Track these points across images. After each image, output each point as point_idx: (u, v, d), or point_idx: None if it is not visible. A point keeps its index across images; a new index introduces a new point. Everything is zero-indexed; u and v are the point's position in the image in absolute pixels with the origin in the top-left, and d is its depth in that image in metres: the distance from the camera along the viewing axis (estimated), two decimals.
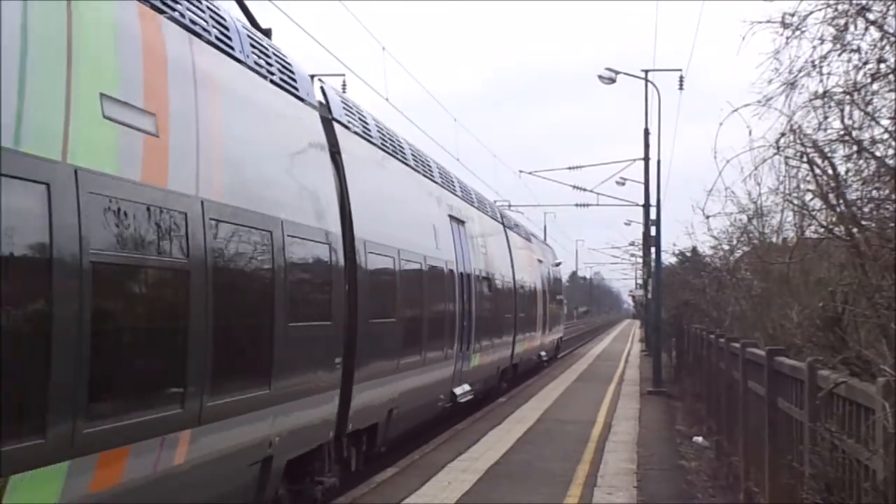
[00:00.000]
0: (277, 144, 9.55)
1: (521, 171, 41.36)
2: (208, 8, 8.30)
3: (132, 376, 6.56)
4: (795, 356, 8.21)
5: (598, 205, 42.62)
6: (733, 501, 10.72)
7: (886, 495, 4.87)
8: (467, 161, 45.83)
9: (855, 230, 7.45)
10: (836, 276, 8.22)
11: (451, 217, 18.02)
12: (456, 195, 19.39)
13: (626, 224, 53.94)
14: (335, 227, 10.60)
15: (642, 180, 30.34)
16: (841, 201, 7.75)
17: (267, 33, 10.40)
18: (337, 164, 11.30)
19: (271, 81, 9.51)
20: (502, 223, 26.09)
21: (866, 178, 7.33)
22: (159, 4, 7.26)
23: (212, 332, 7.31)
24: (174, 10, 7.50)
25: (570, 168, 39.82)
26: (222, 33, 8.47)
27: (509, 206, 43.04)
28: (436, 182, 17.56)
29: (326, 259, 10.23)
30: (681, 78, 30.73)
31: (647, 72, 29.21)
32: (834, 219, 8.05)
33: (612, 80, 29.66)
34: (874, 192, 7.27)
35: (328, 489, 10.70)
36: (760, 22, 7.63)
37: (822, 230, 8.77)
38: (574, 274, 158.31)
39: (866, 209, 7.42)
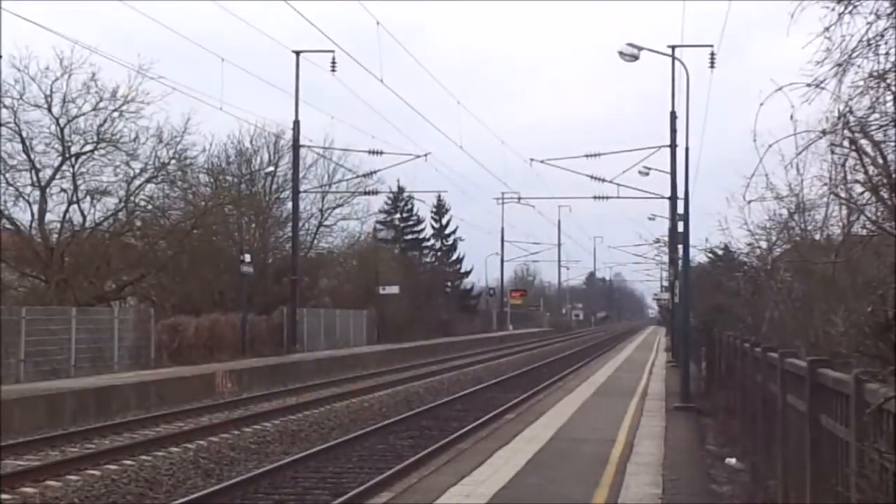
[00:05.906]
0: None
1: (531, 160, 40.89)
2: None
3: None
4: (841, 368, 8.20)
5: (618, 197, 41.65)
6: None
7: None
8: (471, 148, 45.87)
9: None
10: (887, 278, 8.20)
11: None
12: None
13: (650, 219, 53.68)
14: None
15: (668, 170, 30.29)
16: (893, 194, 7.74)
17: None
18: None
19: None
20: None
21: None
22: None
23: None
24: None
25: (587, 156, 38.88)
26: None
27: (518, 199, 43.06)
28: None
29: None
30: (712, 55, 30.73)
31: (673, 48, 29.19)
32: (885, 213, 8.04)
33: (636, 58, 29.52)
34: None
35: None
36: None
37: (871, 225, 8.76)
38: (592, 275, 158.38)
39: None
